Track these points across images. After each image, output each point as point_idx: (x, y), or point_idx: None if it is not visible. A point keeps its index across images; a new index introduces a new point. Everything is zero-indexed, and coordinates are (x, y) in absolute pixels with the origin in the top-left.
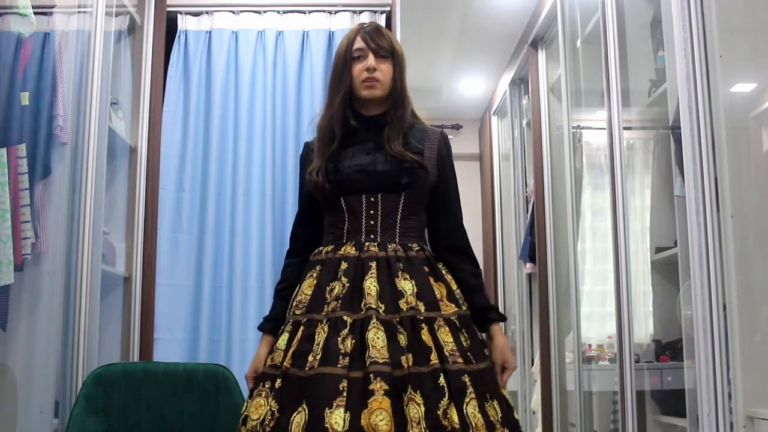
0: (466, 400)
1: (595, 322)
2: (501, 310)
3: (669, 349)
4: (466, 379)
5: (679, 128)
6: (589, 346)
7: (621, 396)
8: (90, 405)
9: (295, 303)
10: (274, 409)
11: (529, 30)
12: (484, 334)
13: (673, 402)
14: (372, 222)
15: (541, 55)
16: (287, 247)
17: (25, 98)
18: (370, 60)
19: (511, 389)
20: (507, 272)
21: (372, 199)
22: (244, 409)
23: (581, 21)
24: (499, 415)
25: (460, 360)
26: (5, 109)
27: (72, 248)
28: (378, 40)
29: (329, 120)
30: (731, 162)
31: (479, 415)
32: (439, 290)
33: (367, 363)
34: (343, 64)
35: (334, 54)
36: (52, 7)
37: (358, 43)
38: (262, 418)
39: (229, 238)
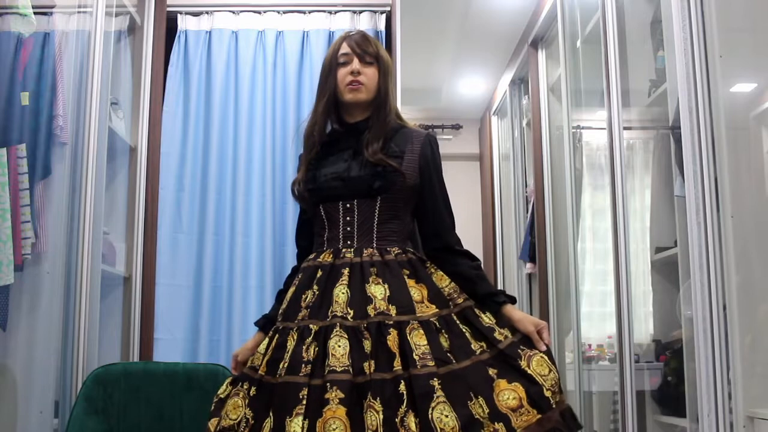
0: (432, 404)
1: (595, 322)
2: None
3: (669, 349)
4: (435, 383)
5: (679, 128)
6: (589, 346)
7: (621, 396)
8: (90, 405)
9: (280, 311)
10: (248, 417)
11: (529, 30)
12: (490, 323)
13: (673, 402)
14: (348, 228)
15: (541, 55)
16: (287, 246)
17: (25, 98)
18: (355, 63)
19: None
20: (507, 272)
21: (348, 205)
22: (222, 391)
23: (581, 21)
24: (487, 411)
25: (430, 363)
26: (5, 109)
27: (72, 248)
28: (364, 46)
29: (312, 127)
30: (731, 162)
31: (447, 419)
32: (419, 292)
33: (326, 371)
34: (328, 69)
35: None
36: (52, 7)
37: (344, 49)
38: (238, 420)
39: (229, 237)
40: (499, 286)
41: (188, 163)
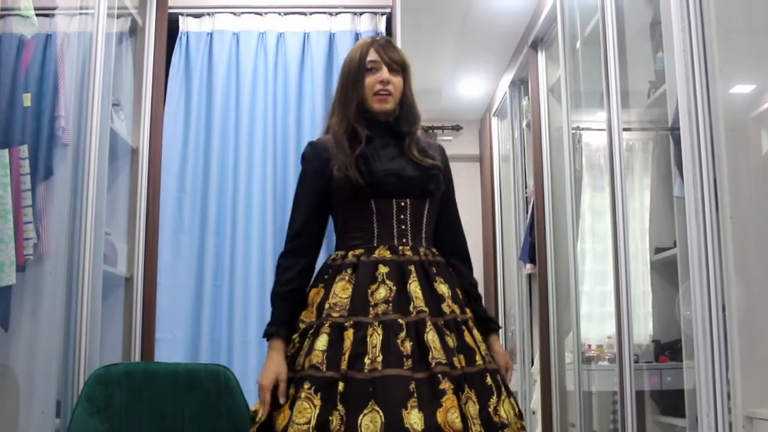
0: (502, 397)
1: (594, 323)
2: (501, 310)
3: (668, 349)
4: (499, 378)
5: (679, 129)
6: (589, 346)
7: (620, 396)
8: (91, 405)
9: (328, 305)
10: (342, 414)
11: (528, 31)
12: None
13: (673, 402)
14: (402, 226)
15: (541, 57)
16: None
17: (27, 99)
18: (384, 73)
19: (512, 389)
20: (507, 273)
21: (402, 203)
22: (277, 417)
23: (581, 22)
24: (516, 409)
25: (490, 360)
26: (7, 110)
27: (73, 249)
28: (391, 54)
29: (347, 123)
30: (730, 163)
31: (510, 411)
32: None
33: (433, 364)
34: (356, 74)
35: (343, 64)
36: (54, 8)
37: (372, 55)
38: (308, 421)
39: (230, 238)
40: (499, 287)
41: (189, 164)
